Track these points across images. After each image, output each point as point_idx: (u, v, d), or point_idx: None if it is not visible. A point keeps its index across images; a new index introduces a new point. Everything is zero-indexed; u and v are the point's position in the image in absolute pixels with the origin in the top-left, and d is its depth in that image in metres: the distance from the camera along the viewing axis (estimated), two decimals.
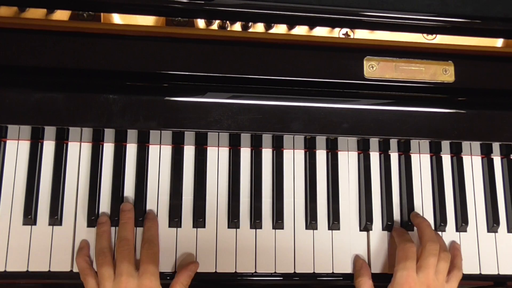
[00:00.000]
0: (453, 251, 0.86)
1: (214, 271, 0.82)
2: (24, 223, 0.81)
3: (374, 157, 0.90)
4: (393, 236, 0.86)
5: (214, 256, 0.83)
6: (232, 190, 0.85)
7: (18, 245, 0.80)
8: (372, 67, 0.80)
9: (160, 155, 0.86)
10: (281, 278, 0.84)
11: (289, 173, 0.87)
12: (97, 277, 0.76)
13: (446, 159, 0.92)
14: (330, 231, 0.86)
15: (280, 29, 0.83)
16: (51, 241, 0.80)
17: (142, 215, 0.82)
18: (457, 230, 0.89)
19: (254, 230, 0.85)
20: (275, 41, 0.81)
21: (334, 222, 0.86)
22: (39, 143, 0.83)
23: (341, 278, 0.85)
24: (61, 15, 0.78)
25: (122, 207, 0.82)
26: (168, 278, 0.81)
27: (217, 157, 0.86)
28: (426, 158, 0.91)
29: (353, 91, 0.81)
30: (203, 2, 0.75)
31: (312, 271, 0.84)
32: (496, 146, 0.91)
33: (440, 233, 0.88)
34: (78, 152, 0.84)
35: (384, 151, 0.90)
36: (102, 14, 0.79)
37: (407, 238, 0.83)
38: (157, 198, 0.84)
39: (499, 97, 0.84)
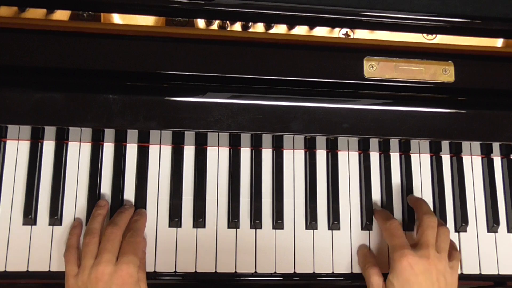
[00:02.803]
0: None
1: (214, 271, 0.82)
2: (24, 223, 0.81)
3: (374, 157, 0.90)
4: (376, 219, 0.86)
5: (214, 256, 0.83)
6: (232, 190, 0.85)
7: (18, 245, 0.80)
8: (372, 67, 0.80)
9: (160, 155, 0.86)
10: (281, 278, 0.84)
11: (289, 173, 0.87)
12: (78, 260, 0.76)
13: (446, 159, 0.92)
14: (330, 231, 0.86)
15: (280, 29, 0.83)
16: (51, 241, 0.80)
17: None
18: (457, 230, 0.89)
19: (254, 230, 0.85)
20: (275, 41, 0.81)
21: (334, 222, 0.86)
22: (39, 143, 0.83)
23: (341, 278, 0.85)
24: (61, 15, 0.78)
25: (126, 202, 0.83)
26: (168, 278, 0.81)
27: (217, 157, 0.87)
28: (426, 158, 0.91)
29: (353, 91, 0.81)
30: (203, 2, 0.75)
31: (312, 271, 0.84)
32: (496, 146, 0.91)
33: None
34: (78, 152, 0.84)
35: (384, 151, 0.90)
36: (102, 14, 0.79)
37: (388, 215, 0.83)
38: (157, 198, 0.84)
39: (499, 97, 0.84)
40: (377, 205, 0.88)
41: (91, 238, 0.76)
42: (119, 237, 0.76)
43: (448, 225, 0.88)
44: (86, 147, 0.84)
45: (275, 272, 0.83)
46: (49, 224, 0.81)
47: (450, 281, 0.77)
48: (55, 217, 0.80)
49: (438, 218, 0.84)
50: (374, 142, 0.88)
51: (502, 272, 0.88)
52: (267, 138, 0.86)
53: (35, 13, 0.77)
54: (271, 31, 0.82)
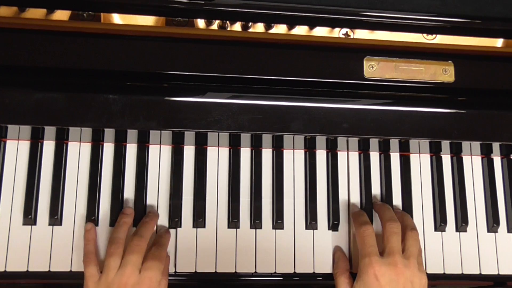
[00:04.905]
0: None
1: (214, 271, 0.82)
2: (24, 223, 0.81)
3: (374, 157, 0.90)
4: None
5: (214, 256, 0.83)
6: (232, 190, 0.85)
7: (18, 245, 0.80)
8: (372, 67, 0.80)
9: (160, 155, 0.86)
10: (281, 278, 0.84)
11: (289, 173, 0.87)
12: (97, 265, 0.77)
13: (446, 159, 0.92)
14: (330, 231, 0.86)
15: (280, 29, 0.83)
16: (51, 241, 0.80)
17: (142, 215, 0.82)
18: (457, 230, 0.89)
19: (254, 230, 0.85)
20: (275, 41, 0.81)
21: (334, 222, 0.86)
22: (39, 143, 0.83)
23: None
24: (61, 15, 0.78)
25: (151, 209, 0.83)
26: (168, 278, 0.81)
27: (217, 157, 0.87)
28: (426, 158, 0.91)
29: (353, 91, 0.81)
30: (203, 2, 0.75)
31: (312, 271, 0.84)
32: (496, 146, 0.91)
33: (440, 233, 0.88)
34: (78, 152, 0.84)
35: (384, 151, 0.90)
36: (102, 14, 0.79)
37: (363, 220, 0.82)
38: (157, 198, 0.84)
39: (499, 97, 0.84)
40: (356, 207, 0.88)
41: (116, 248, 0.76)
42: (144, 249, 0.77)
43: (448, 225, 0.88)
44: (86, 147, 0.84)
45: (275, 272, 0.83)
46: (49, 224, 0.81)
47: (418, 286, 0.77)
48: (55, 217, 0.80)
49: (411, 221, 0.84)
50: (374, 142, 0.88)
51: (502, 272, 0.88)
52: (267, 138, 0.86)
53: (35, 13, 0.77)
54: (271, 31, 0.82)
